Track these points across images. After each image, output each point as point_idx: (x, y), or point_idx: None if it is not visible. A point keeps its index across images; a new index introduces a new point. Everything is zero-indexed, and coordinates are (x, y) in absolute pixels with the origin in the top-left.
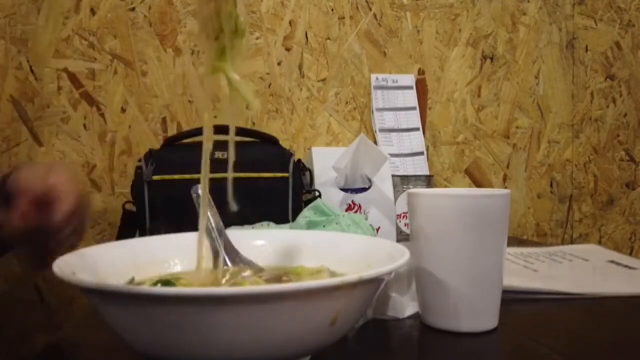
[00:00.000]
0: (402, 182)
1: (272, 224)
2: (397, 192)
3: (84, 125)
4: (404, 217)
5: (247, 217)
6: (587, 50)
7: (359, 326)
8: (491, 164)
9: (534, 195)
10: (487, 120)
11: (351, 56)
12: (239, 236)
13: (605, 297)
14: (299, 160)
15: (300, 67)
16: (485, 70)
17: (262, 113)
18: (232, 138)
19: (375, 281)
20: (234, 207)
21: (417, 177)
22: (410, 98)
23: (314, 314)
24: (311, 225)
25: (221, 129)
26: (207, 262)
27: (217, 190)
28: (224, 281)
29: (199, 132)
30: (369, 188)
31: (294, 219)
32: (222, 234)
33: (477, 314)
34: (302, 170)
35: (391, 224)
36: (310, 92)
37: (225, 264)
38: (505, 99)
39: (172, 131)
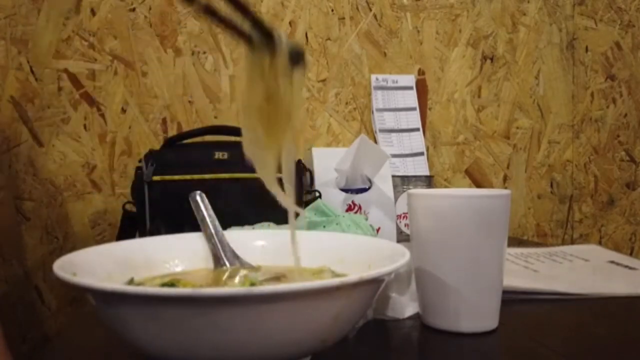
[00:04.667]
0: (402, 182)
1: (272, 224)
2: (397, 192)
3: (84, 126)
4: (404, 217)
5: (247, 217)
6: (587, 50)
7: (359, 326)
8: (491, 164)
9: (534, 196)
10: (487, 121)
11: (351, 56)
12: (239, 237)
13: (605, 297)
14: (299, 161)
15: None
16: (485, 70)
17: None
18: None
19: (375, 281)
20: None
21: (417, 178)
22: (410, 98)
23: (314, 315)
24: (311, 226)
25: (221, 129)
26: (208, 265)
27: (217, 189)
28: (223, 282)
29: (199, 132)
30: (369, 188)
31: None
32: (222, 241)
33: (477, 314)
34: (302, 171)
35: (391, 224)
36: (310, 92)
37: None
38: (505, 99)
39: (172, 131)
